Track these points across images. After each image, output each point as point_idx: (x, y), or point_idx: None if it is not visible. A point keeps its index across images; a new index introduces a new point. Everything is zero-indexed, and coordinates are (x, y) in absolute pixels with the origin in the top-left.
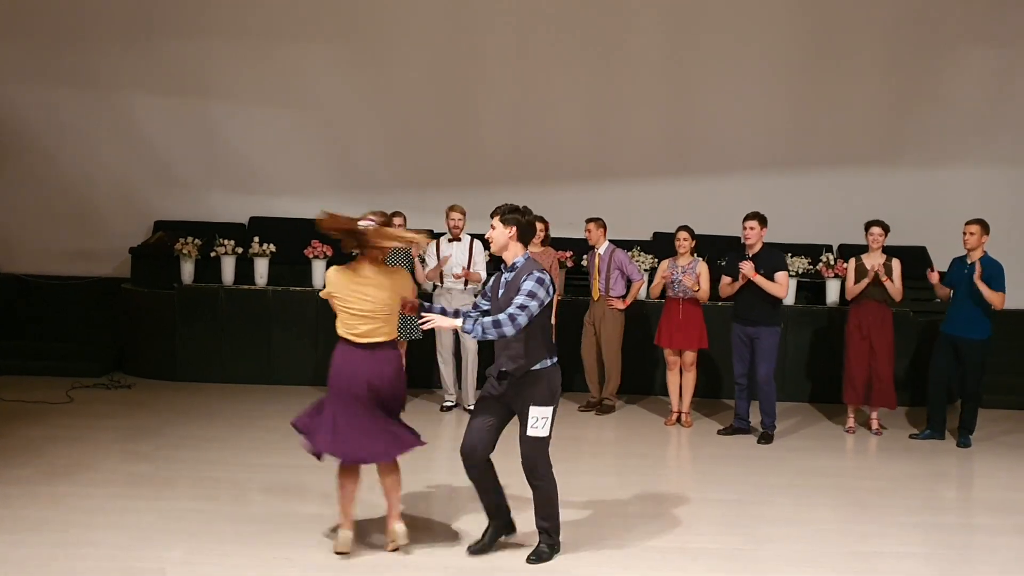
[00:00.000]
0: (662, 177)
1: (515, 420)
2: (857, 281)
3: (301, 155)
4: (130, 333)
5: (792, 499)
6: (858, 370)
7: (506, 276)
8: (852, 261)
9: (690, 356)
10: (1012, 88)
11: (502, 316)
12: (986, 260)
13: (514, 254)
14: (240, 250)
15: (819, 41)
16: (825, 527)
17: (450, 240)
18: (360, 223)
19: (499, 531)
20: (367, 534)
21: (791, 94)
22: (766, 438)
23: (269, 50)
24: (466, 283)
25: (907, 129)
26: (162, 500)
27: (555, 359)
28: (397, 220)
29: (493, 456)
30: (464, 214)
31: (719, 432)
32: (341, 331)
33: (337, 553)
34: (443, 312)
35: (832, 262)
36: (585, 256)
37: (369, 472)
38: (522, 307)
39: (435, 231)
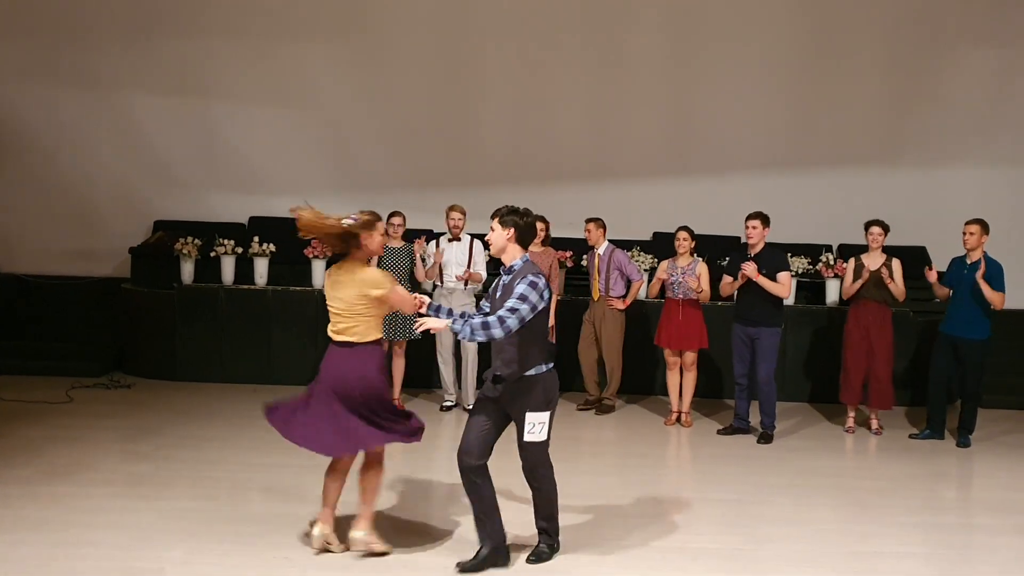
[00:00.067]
0: (662, 177)
1: (513, 425)
2: (855, 281)
3: (301, 155)
4: (130, 333)
5: (792, 499)
6: (856, 370)
7: (504, 279)
8: (852, 261)
9: (690, 356)
10: (1012, 88)
11: (491, 318)
12: (986, 260)
13: (512, 256)
14: (240, 250)
15: (819, 41)
16: (825, 527)
17: (450, 240)
18: (344, 221)
19: (491, 560)
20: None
21: (791, 94)
22: (766, 438)
23: (269, 50)
24: (466, 283)
25: (907, 129)
26: (162, 500)
27: (551, 365)
28: (396, 220)
29: (493, 459)
30: (464, 214)
31: (719, 432)
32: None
33: (317, 551)
34: (438, 311)
35: (832, 262)
36: (585, 256)
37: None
38: (512, 310)
39: (435, 231)
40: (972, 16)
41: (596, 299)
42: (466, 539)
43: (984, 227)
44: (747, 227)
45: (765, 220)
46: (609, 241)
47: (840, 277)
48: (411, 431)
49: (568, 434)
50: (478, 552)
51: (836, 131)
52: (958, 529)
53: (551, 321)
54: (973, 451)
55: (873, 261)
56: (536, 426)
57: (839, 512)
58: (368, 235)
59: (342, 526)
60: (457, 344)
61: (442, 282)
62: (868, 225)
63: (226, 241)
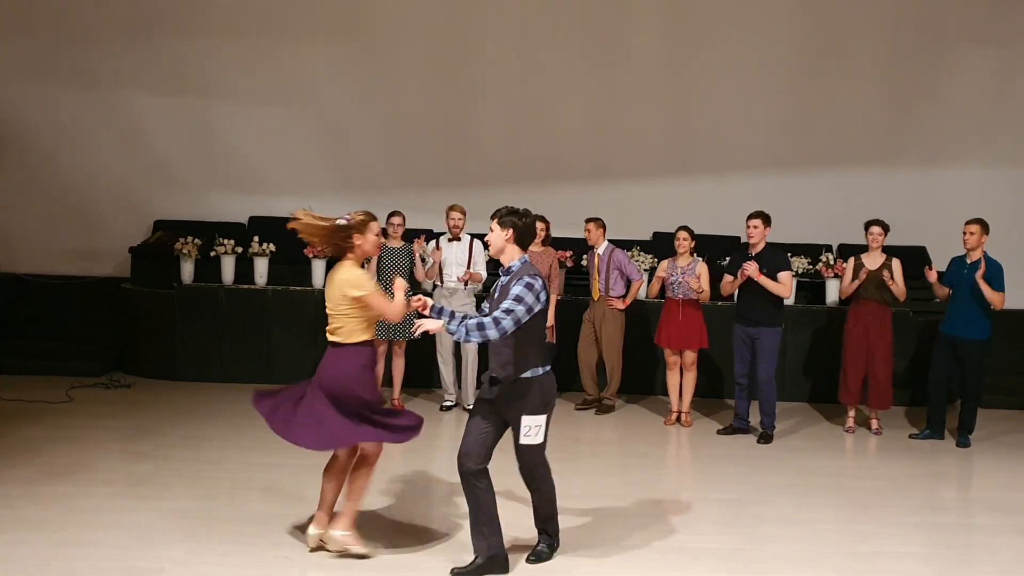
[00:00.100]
0: (662, 177)
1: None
2: (853, 281)
3: (301, 155)
4: (130, 333)
5: (792, 499)
6: (855, 370)
7: (502, 280)
8: (851, 260)
9: (690, 356)
10: (1012, 88)
11: (487, 319)
12: (986, 260)
13: (511, 257)
14: (240, 250)
15: (819, 41)
16: (825, 527)
17: (450, 240)
18: (338, 221)
19: (487, 568)
20: (366, 533)
21: (791, 94)
22: (766, 438)
23: (269, 50)
24: (467, 283)
25: (907, 129)
26: (162, 500)
27: (548, 368)
28: (396, 220)
29: (493, 459)
30: (464, 214)
31: (719, 432)
32: None
33: (311, 549)
34: (440, 313)
35: (832, 262)
36: (585, 256)
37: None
38: (507, 311)
39: (435, 231)
40: (972, 16)
41: (596, 299)
42: (466, 539)
43: (984, 227)
44: (748, 226)
45: (766, 220)
46: (609, 241)
47: (840, 277)
48: (399, 430)
49: (568, 434)
50: (473, 560)
51: (836, 131)
52: (958, 529)
53: (550, 321)
54: (973, 451)
55: (873, 261)
56: (532, 429)
57: (839, 512)
58: (361, 235)
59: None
60: (457, 344)
61: (442, 282)
62: (868, 225)
63: (226, 241)
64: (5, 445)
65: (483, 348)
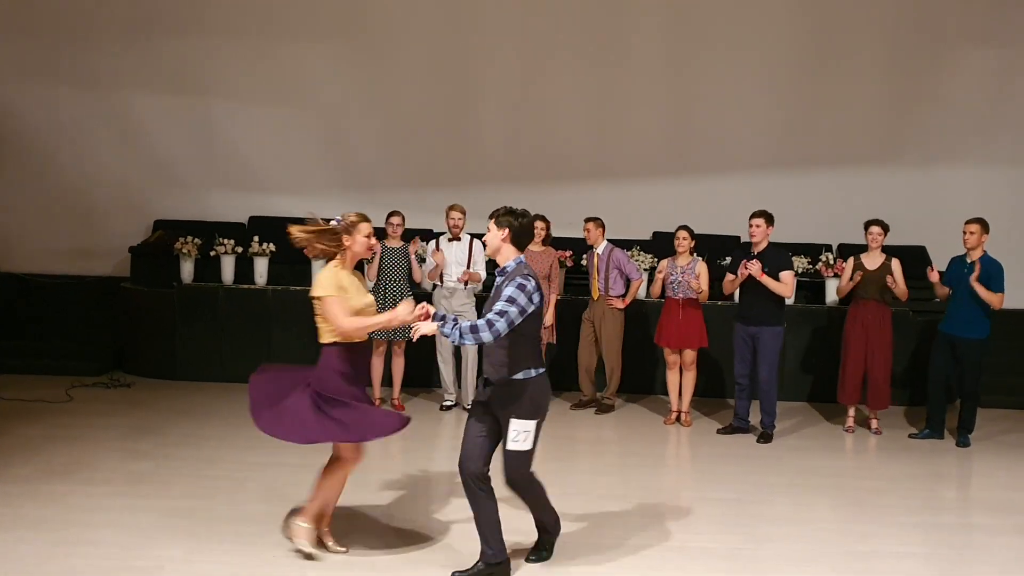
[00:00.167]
0: (662, 177)
1: None
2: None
3: (301, 154)
4: (130, 332)
5: (791, 498)
6: (855, 370)
7: (498, 280)
8: (850, 260)
9: (690, 355)
10: (1012, 88)
11: (480, 321)
12: (986, 260)
13: (506, 257)
14: (240, 249)
15: (819, 41)
16: (824, 527)
17: (450, 240)
18: (331, 222)
19: (487, 572)
20: (366, 533)
21: (791, 94)
22: (765, 437)
23: (269, 49)
24: (467, 283)
25: (907, 129)
26: (162, 499)
27: (542, 370)
28: (395, 220)
29: (493, 461)
30: (464, 214)
31: (719, 431)
32: None
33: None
34: (443, 320)
35: (832, 262)
36: (584, 256)
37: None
38: (501, 313)
39: (435, 231)
40: (972, 16)
41: (595, 298)
42: (466, 540)
43: (984, 226)
44: (751, 225)
45: (769, 219)
46: (609, 241)
47: (840, 277)
48: (366, 430)
49: (567, 433)
50: (475, 564)
51: (836, 131)
52: (957, 529)
53: (550, 320)
54: (972, 451)
55: (872, 261)
56: (520, 434)
57: (839, 512)
58: (350, 237)
59: (341, 527)
60: None
61: (442, 282)
62: (868, 225)
63: (226, 240)
64: (5, 444)
65: (483, 348)
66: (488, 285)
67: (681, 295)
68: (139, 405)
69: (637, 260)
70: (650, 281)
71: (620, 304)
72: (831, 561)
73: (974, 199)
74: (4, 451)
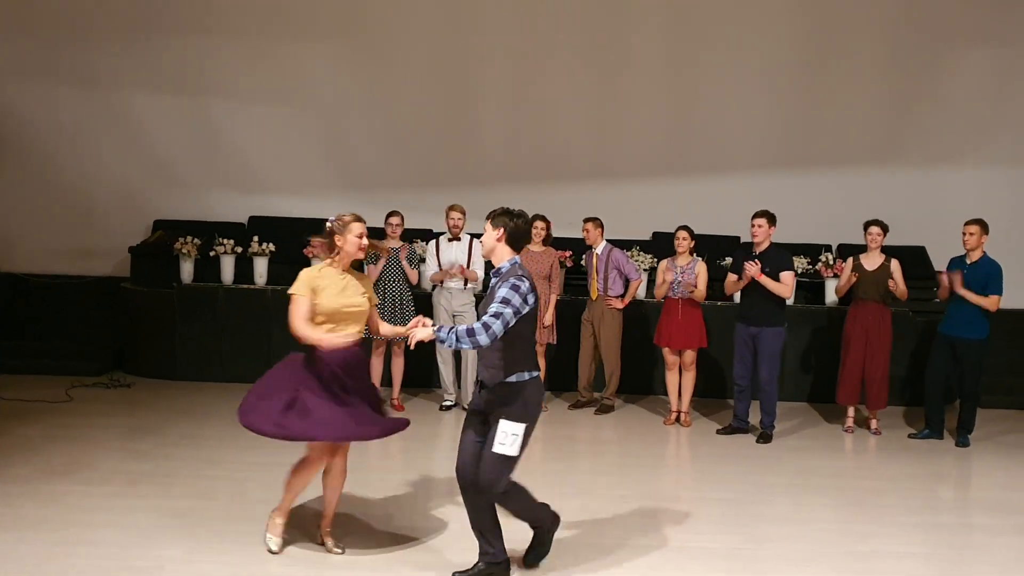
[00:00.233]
0: (662, 177)
1: None
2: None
3: (301, 154)
4: (130, 332)
5: (791, 498)
6: (854, 370)
7: (492, 282)
8: (849, 260)
9: (690, 356)
10: (1012, 88)
11: (476, 324)
12: (985, 260)
13: (500, 257)
14: (239, 249)
15: (819, 41)
16: (824, 527)
17: (450, 240)
18: (326, 223)
19: (487, 572)
20: (366, 533)
21: (791, 94)
22: (765, 438)
23: (269, 49)
24: (466, 282)
25: (907, 129)
26: (162, 499)
27: (535, 373)
28: (394, 220)
29: None
30: (464, 214)
31: (718, 432)
32: None
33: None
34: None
35: (831, 262)
36: (584, 256)
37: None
38: (496, 315)
39: (435, 231)
40: (972, 16)
41: (594, 298)
42: (466, 540)
43: (984, 227)
44: (753, 225)
45: (771, 219)
46: (608, 241)
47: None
48: (329, 430)
49: (566, 433)
50: (475, 564)
51: (836, 131)
52: (957, 529)
53: (549, 320)
54: (972, 451)
55: (871, 261)
56: (508, 437)
57: (838, 512)
58: (341, 237)
59: (341, 527)
60: None
61: (442, 283)
62: (867, 225)
63: (226, 240)
64: (5, 444)
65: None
66: (487, 285)
67: (680, 296)
68: (139, 405)
69: (637, 260)
70: (650, 281)
71: (619, 304)
72: (831, 561)
73: (974, 199)
74: (4, 451)
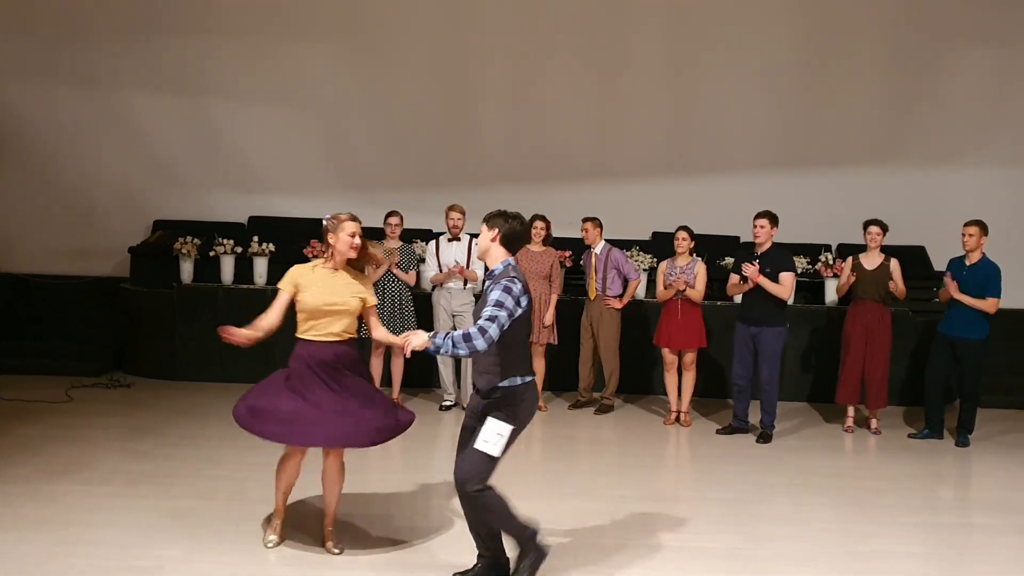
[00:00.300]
0: (662, 177)
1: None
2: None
3: (301, 154)
4: (130, 332)
5: (791, 498)
6: (853, 370)
7: (486, 284)
8: (849, 260)
9: (690, 356)
10: (1012, 88)
11: (472, 329)
12: (984, 262)
13: (495, 259)
14: (239, 249)
15: (819, 41)
16: (824, 527)
17: (449, 240)
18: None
19: (488, 572)
20: (365, 533)
21: (791, 94)
22: (765, 437)
23: (269, 49)
24: (465, 283)
25: (907, 129)
26: (162, 499)
27: (529, 378)
28: (393, 220)
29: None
30: (463, 214)
31: (718, 432)
32: None
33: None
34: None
35: (831, 262)
36: (583, 255)
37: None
38: (491, 318)
39: (434, 231)
40: (972, 16)
41: (593, 298)
42: (466, 540)
43: (983, 228)
44: (755, 226)
45: (773, 219)
46: (608, 241)
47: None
48: (270, 434)
49: (566, 433)
50: (475, 565)
51: (836, 131)
52: (957, 529)
53: (550, 320)
54: (972, 451)
55: (871, 261)
56: (493, 435)
57: (838, 512)
58: (334, 236)
59: (340, 527)
60: None
61: (441, 283)
62: (866, 225)
63: (225, 241)
64: (5, 444)
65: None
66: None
67: (679, 297)
68: (139, 405)
69: (636, 260)
70: (650, 281)
71: (617, 304)
72: (831, 561)
73: (974, 199)
74: (4, 451)
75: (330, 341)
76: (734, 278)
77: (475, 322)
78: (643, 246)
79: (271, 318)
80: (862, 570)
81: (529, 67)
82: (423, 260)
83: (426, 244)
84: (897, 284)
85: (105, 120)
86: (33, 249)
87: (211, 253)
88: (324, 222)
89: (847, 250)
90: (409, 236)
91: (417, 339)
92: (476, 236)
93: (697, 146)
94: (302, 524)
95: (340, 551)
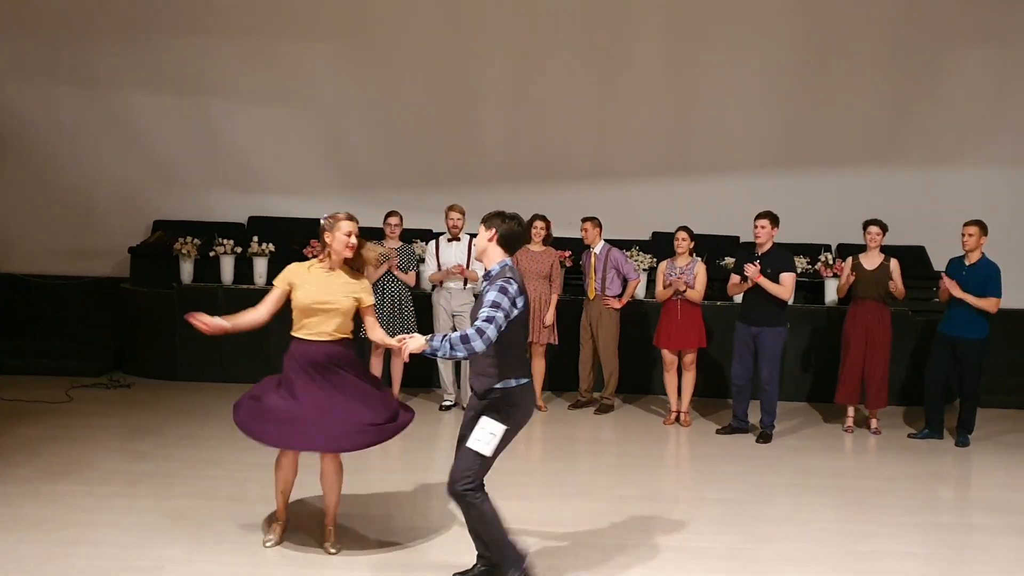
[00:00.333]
0: (662, 177)
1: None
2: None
3: (301, 154)
4: (130, 333)
5: (791, 498)
6: (853, 370)
7: (483, 285)
8: (849, 260)
9: (690, 356)
10: (1012, 88)
11: (470, 331)
12: (984, 262)
13: (492, 259)
14: (239, 250)
15: (819, 41)
16: (824, 526)
17: (449, 240)
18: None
19: (487, 573)
20: (365, 533)
21: (791, 94)
22: (764, 437)
23: (269, 49)
24: (465, 282)
25: (907, 129)
26: (162, 499)
27: (525, 380)
28: (393, 220)
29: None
30: (463, 214)
31: (718, 432)
32: None
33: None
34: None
35: (831, 262)
36: (582, 255)
37: (366, 472)
38: (489, 319)
39: (434, 231)
40: (972, 16)
41: (592, 298)
42: (466, 540)
43: (983, 228)
44: (756, 226)
45: (774, 220)
46: (608, 241)
47: (839, 276)
48: (259, 434)
49: (565, 433)
50: (474, 566)
51: (836, 131)
52: (957, 529)
53: (550, 320)
54: (972, 451)
55: (871, 261)
56: (486, 435)
57: (838, 512)
58: (330, 235)
59: (340, 527)
60: None
61: (441, 283)
62: (866, 224)
63: (225, 241)
64: (5, 444)
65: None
66: None
67: (678, 296)
68: (139, 405)
69: (636, 260)
70: (649, 281)
71: (616, 304)
72: (831, 561)
73: (974, 199)
74: (4, 451)
75: (322, 340)
76: (735, 278)
77: (472, 324)
78: (643, 246)
79: (258, 312)
80: (862, 570)
81: (529, 67)
82: (423, 260)
83: (426, 244)
84: (897, 284)
85: (105, 120)
86: (33, 249)
87: (211, 253)
88: (321, 222)
89: (847, 250)
90: (409, 236)
91: (414, 342)
92: (476, 236)
93: (697, 146)
94: (301, 524)
95: (337, 551)
